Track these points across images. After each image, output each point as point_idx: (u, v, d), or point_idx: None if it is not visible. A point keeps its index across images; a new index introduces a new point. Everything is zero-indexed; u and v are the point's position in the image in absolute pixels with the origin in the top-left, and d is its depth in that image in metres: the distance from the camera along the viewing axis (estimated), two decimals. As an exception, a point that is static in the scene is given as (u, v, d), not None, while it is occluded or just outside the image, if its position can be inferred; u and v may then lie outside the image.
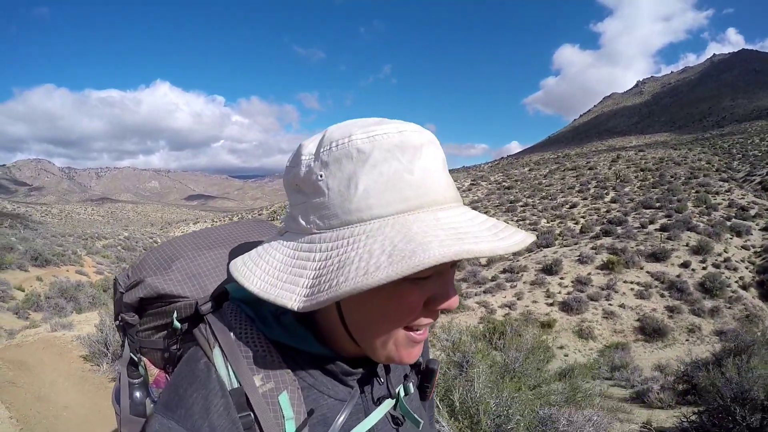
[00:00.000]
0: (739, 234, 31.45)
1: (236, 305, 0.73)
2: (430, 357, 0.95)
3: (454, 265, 0.68)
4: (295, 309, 0.60)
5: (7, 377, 6.28)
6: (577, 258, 27.89)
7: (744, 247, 29.67)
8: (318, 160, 0.65)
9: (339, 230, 0.62)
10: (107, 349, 7.10)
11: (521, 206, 53.30)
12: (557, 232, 36.55)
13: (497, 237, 0.60)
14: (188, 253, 0.83)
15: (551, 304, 23.20)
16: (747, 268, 26.88)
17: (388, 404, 0.79)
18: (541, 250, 31.87)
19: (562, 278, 25.71)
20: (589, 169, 70.17)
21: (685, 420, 5.77)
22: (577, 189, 56.50)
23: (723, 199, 41.62)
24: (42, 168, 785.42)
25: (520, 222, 45.99)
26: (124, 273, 0.85)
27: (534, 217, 46.74)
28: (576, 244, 32.32)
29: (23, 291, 17.74)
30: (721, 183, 48.87)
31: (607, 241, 30.86)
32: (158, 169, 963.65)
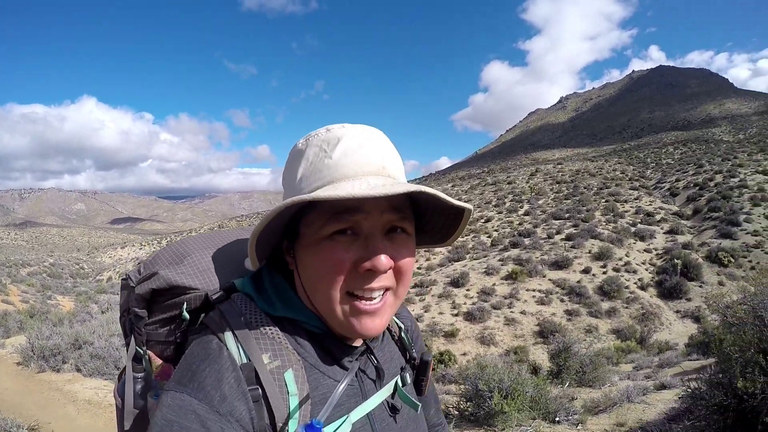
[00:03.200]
0: (642, 238, 34.49)
1: (243, 295, 0.85)
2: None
3: (392, 231, 0.81)
4: (246, 266, 0.86)
5: (-44, 375, 9.27)
6: (484, 270, 29.61)
7: (647, 250, 32.60)
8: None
9: None
10: (33, 353, 10.04)
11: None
12: (470, 246, 38.10)
13: (384, 187, 0.71)
14: (198, 251, 0.94)
15: (456, 315, 24.45)
16: (647, 269, 29.55)
17: (388, 389, 0.91)
18: (452, 264, 33.32)
19: (468, 290, 27.21)
20: (508, 183, 73.87)
21: (458, 405, 7.03)
22: (494, 203, 59.47)
23: (631, 207, 45.50)
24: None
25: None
26: (135, 269, 0.95)
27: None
28: (485, 257, 34.11)
29: (-52, 320, 18.31)
30: (630, 191, 53.08)
31: (514, 252, 33.00)
32: (84, 191, 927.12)
